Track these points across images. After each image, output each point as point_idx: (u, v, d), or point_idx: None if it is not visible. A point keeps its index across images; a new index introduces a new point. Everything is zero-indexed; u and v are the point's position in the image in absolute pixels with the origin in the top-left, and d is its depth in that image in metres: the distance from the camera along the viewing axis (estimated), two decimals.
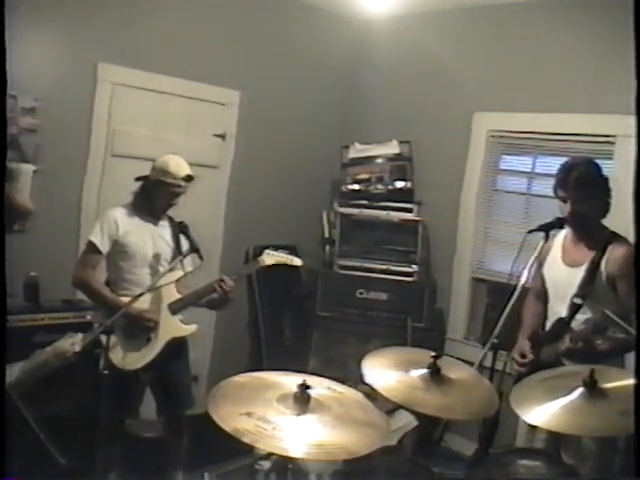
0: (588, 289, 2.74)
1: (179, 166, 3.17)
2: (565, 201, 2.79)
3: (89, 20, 3.82)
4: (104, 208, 3.40)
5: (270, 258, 3.34)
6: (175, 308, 3.22)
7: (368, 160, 4.73)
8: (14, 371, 2.26)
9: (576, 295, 2.75)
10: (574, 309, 2.75)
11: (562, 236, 2.97)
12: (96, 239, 3.13)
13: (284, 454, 1.74)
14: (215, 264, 4.39)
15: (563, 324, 2.76)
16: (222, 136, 4.60)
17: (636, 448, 1.59)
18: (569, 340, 2.65)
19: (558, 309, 2.85)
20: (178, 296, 3.24)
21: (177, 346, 3.26)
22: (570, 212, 2.79)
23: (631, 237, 2.63)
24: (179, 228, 3.29)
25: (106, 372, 2.67)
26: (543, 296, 3.01)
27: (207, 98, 4.48)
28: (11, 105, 3.53)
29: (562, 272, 2.88)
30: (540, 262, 3.01)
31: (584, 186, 2.75)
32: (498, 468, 2.39)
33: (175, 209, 3.33)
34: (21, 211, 2.19)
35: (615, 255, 2.72)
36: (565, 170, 2.81)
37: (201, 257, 3.20)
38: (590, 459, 2.62)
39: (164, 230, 3.29)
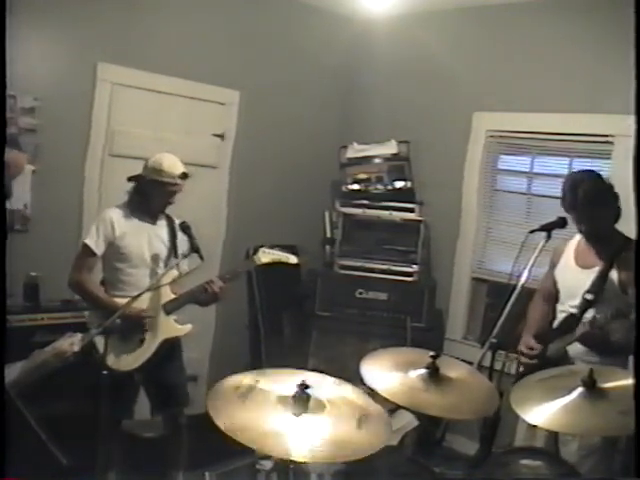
0: (600, 287, 2.75)
1: (173, 164, 3.16)
2: (578, 221, 2.80)
3: (89, 20, 3.83)
4: (104, 208, 3.40)
5: (266, 256, 3.33)
6: (169, 308, 3.21)
7: (366, 160, 4.73)
8: (14, 371, 2.26)
9: (588, 292, 2.76)
10: (586, 305, 2.76)
11: (576, 240, 2.97)
12: (91, 241, 3.12)
13: None
14: (216, 264, 4.39)
15: (574, 320, 2.77)
16: (221, 136, 4.60)
17: (636, 448, 1.59)
18: (589, 325, 2.65)
19: (567, 308, 2.86)
20: (172, 296, 3.23)
21: (170, 346, 3.26)
22: (585, 230, 2.81)
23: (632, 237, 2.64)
24: (181, 228, 3.28)
25: (105, 372, 2.67)
26: (552, 297, 3.01)
27: (207, 98, 4.48)
28: (11, 105, 3.53)
29: (575, 274, 2.88)
30: (553, 264, 3.02)
31: (594, 205, 2.75)
32: (499, 468, 2.39)
33: (175, 209, 3.33)
34: (12, 169, 2.14)
35: (627, 259, 2.71)
36: (571, 191, 2.79)
37: (201, 257, 3.19)
38: (593, 455, 2.63)
39: (161, 230, 3.28)
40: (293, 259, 3.39)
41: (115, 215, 3.18)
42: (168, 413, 3.33)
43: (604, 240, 2.83)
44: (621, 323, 2.55)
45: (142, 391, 3.33)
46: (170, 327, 3.23)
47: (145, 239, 3.22)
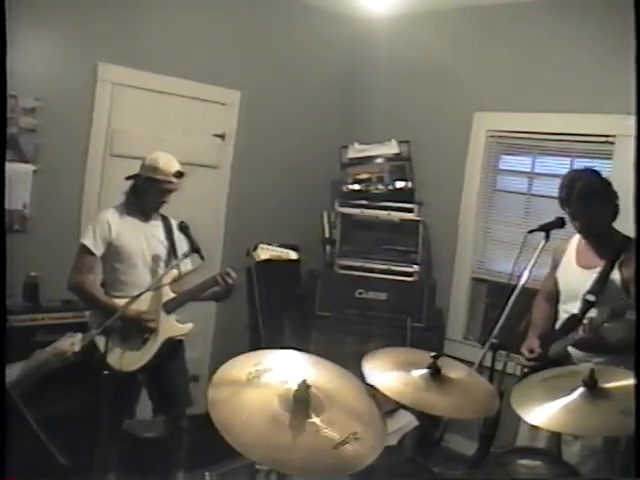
0: (601, 288, 2.75)
1: (169, 162, 3.16)
2: (574, 217, 2.80)
3: (89, 20, 3.83)
4: (104, 208, 3.40)
5: (265, 252, 3.31)
6: (169, 307, 3.21)
7: (367, 160, 4.73)
8: (14, 371, 2.26)
9: (589, 292, 2.76)
10: (587, 306, 2.76)
11: (576, 240, 2.97)
12: (89, 242, 3.12)
13: None
14: (215, 264, 4.39)
15: (576, 320, 2.77)
16: (222, 136, 4.60)
17: (636, 448, 1.59)
18: (582, 330, 2.66)
19: (570, 309, 2.86)
20: (172, 295, 3.23)
21: (173, 346, 3.26)
22: (580, 226, 2.81)
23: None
24: (179, 228, 3.28)
25: (106, 372, 2.67)
26: (554, 298, 3.01)
27: (207, 98, 4.48)
28: (11, 105, 3.53)
29: (576, 274, 2.88)
30: (554, 264, 3.03)
31: (589, 201, 2.75)
32: (498, 468, 2.39)
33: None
34: None
35: (629, 259, 2.71)
36: (566, 187, 2.80)
37: (202, 257, 3.20)
38: (595, 455, 2.64)
39: (157, 229, 3.28)
40: (293, 254, 3.38)
41: (111, 216, 3.18)
42: (171, 414, 3.32)
43: (603, 239, 2.83)
44: (618, 323, 2.55)
45: (143, 392, 3.33)
46: (171, 326, 3.22)
47: (142, 238, 3.22)
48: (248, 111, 4.65)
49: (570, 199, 2.76)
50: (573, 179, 2.82)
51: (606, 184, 2.83)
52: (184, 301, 3.23)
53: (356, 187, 4.67)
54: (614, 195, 2.81)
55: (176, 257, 3.24)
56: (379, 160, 4.72)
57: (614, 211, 2.81)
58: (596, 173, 2.88)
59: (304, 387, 1.84)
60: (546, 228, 2.87)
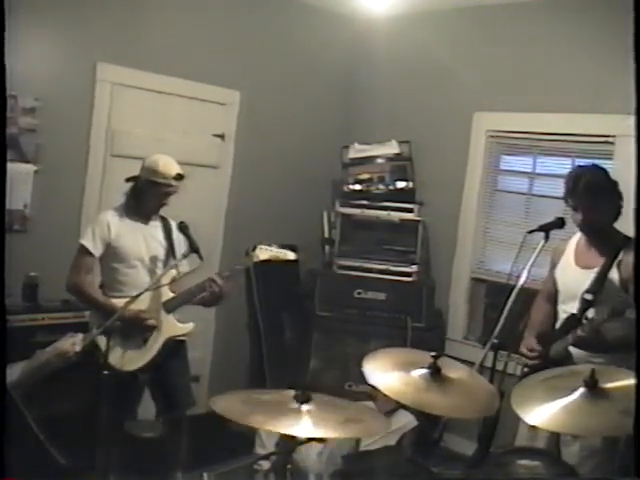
0: (599, 288, 2.75)
1: (168, 165, 3.16)
2: (576, 210, 2.80)
3: (88, 20, 3.83)
4: (104, 208, 3.41)
5: (264, 253, 3.31)
6: (169, 307, 3.21)
7: (368, 160, 4.73)
8: (15, 371, 2.26)
9: (587, 291, 2.76)
10: (585, 305, 2.76)
11: (576, 239, 2.97)
12: (88, 243, 3.13)
13: None
14: (215, 264, 4.39)
15: (575, 320, 2.77)
16: (222, 136, 4.60)
17: (636, 448, 1.59)
18: (581, 330, 2.66)
19: (569, 309, 2.85)
20: (172, 295, 3.23)
21: (175, 345, 3.26)
22: (582, 220, 2.81)
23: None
24: (179, 228, 3.29)
25: (106, 372, 2.67)
26: (553, 298, 3.01)
27: (207, 98, 4.48)
28: (11, 105, 3.53)
29: (575, 274, 2.88)
30: (553, 264, 3.03)
31: (594, 194, 2.75)
32: (498, 468, 2.39)
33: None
34: None
35: (629, 259, 2.71)
36: (573, 179, 2.80)
37: (201, 257, 3.20)
38: (594, 455, 2.64)
39: (156, 230, 3.29)
40: (291, 255, 3.38)
41: (111, 217, 3.19)
42: (174, 415, 3.32)
43: (603, 238, 2.83)
44: (617, 323, 2.55)
45: (146, 392, 3.33)
46: (172, 326, 3.22)
47: (141, 239, 3.22)
48: (248, 111, 4.65)
49: (575, 190, 2.76)
50: (581, 172, 2.84)
51: (612, 183, 2.83)
52: (183, 301, 3.23)
53: (357, 187, 4.67)
54: (618, 195, 2.81)
55: (175, 258, 3.24)
56: (380, 160, 4.71)
57: (616, 211, 2.81)
58: (604, 170, 2.89)
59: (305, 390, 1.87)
60: (546, 228, 2.86)
